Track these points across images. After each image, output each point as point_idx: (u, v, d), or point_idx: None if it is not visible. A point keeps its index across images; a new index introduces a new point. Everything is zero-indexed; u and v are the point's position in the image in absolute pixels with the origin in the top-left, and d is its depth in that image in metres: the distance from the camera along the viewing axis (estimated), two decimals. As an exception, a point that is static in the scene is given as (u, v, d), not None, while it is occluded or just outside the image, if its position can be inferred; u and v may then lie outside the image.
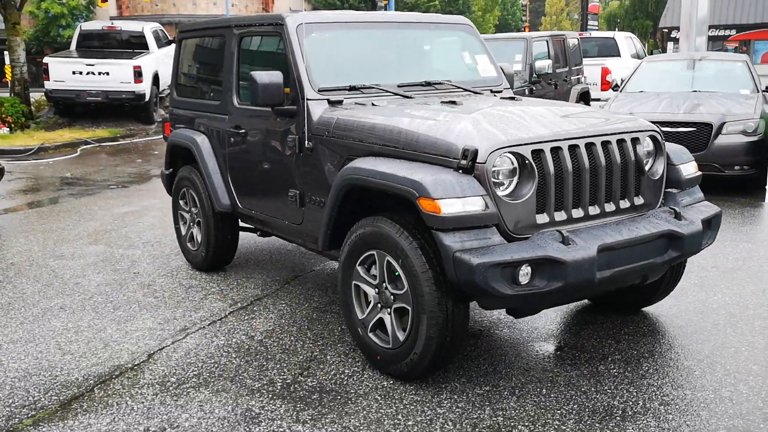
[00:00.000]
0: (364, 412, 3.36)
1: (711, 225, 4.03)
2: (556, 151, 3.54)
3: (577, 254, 3.32)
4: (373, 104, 4.26)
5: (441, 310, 3.40)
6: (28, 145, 13.76)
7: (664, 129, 8.18)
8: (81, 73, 15.28)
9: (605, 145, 3.71)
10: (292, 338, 4.27)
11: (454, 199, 3.29)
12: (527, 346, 4.10)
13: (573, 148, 3.60)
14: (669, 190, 4.08)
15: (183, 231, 5.85)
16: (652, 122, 4.18)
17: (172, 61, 6.05)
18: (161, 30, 18.30)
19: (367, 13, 5.12)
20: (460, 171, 3.40)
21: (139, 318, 4.67)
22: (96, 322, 4.63)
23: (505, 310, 3.78)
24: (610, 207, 3.75)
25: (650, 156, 3.99)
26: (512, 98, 4.56)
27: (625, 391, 3.53)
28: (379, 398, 3.50)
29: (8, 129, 15.28)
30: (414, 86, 4.63)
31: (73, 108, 16.26)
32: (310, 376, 3.76)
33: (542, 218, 3.52)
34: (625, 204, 3.82)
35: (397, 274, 3.55)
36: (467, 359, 3.93)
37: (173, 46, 18.03)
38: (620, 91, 9.74)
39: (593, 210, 3.69)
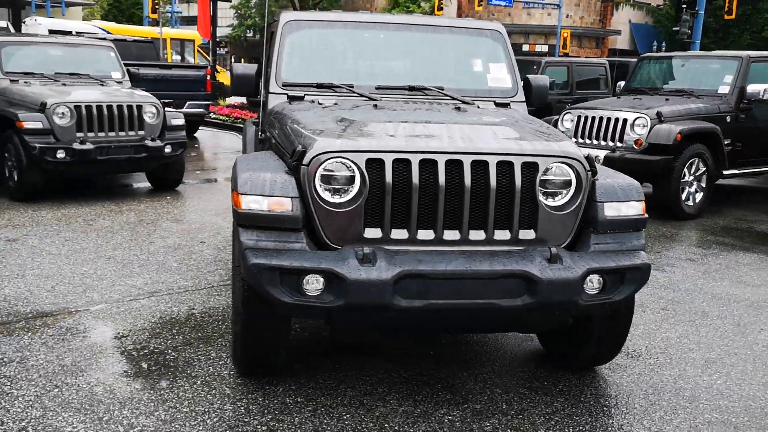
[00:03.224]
0: (156, 389, 3.48)
1: (624, 279, 3.32)
2: (403, 163, 3.24)
3: (364, 273, 3.04)
4: (318, 102, 4.26)
5: (244, 307, 3.37)
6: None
7: None
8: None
9: (479, 165, 3.28)
10: (220, 320, 4.48)
11: (258, 196, 3.23)
12: (406, 373, 3.78)
13: (428, 164, 3.26)
14: (590, 229, 3.45)
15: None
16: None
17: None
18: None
19: (378, 15, 5.02)
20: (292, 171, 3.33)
21: (142, 276, 5.26)
22: (111, 273, 5.32)
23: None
24: (477, 235, 3.31)
25: (565, 186, 3.40)
26: (458, 109, 4.16)
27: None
28: (197, 385, 3.58)
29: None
30: (394, 89, 4.48)
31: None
32: (179, 350, 3.96)
33: (373, 233, 3.26)
34: (503, 235, 3.33)
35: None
36: (328, 370, 3.77)
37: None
38: None
39: (451, 235, 3.30)
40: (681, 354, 4.21)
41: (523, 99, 4.70)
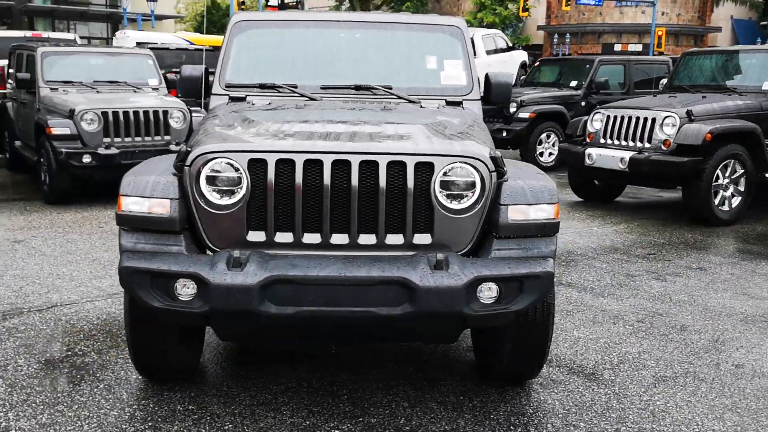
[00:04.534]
0: (56, 392, 3.48)
1: (522, 288, 3.06)
2: (287, 164, 3.11)
3: (229, 278, 2.91)
4: (252, 103, 4.18)
5: (130, 311, 3.33)
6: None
7: None
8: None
9: (369, 165, 3.10)
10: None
11: (138, 198, 3.17)
12: (317, 382, 3.62)
13: (314, 164, 3.10)
14: (493, 234, 3.20)
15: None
16: None
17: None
18: (501, 37, 18.83)
19: (332, 13, 4.88)
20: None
21: (113, 278, 5.31)
22: (85, 274, 5.41)
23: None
24: (368, 239, 3.14)
25: (469, 188, 3.17)
26: (386, 109, 3.97)
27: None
28: (98, 388, 3.55)
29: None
30: (339, 89, 4.33)
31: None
32: (102, 353, 3.96)
33: (257, 236, 3.14)
34: (395, 240, 3.14)
35: None
36: (238, 377, 3.67)
37: (510, 53, 18.41)
38: None
39: (339, 239, 3.14)
40: (632, 371, 3.86)
41: (478, 97, 4.44)
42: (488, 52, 17.68)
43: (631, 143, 7.91)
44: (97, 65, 9.84)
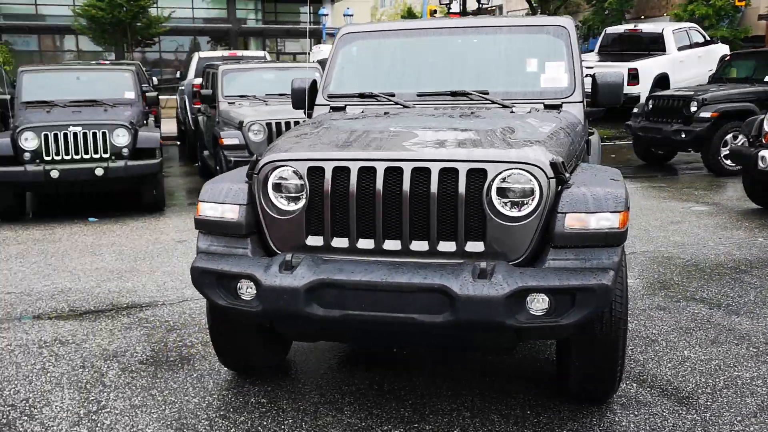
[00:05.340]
0: (156, 377, 3.83)
1: (574, 301, 2.90)
2: (343, 171, 3.21)
3: (278, 280, 3.06)
4: (346, 112, 4.33)
5: (210, 310, 3.59)
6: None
7: None
8: (582, 74, 16.07)
9: (421, 172, 3.12)
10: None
11: (213, 203, 3.43)
12: (388, 386, 3.66)
13: (368, 171, 3.18)
14: (550, 243, 3.07)
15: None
16: None
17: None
18: (696, 30, 17.56)
19: (435, 20, 4.86)
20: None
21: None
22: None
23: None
24: (420, 246, 3.15)
25: (526, 195, 3.08)
26: (464, 115, 3.91)
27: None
28: (191, 377, 3.87)
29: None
30: (436, 95, 4.36)
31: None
32: (206, 345, 4.27)
33: (315, 241, 3.27)
34: (447, 247, 3.13)
35: None
36: (315, 375, 3.81)
37: (706, 47, 17.10)
38: None
39: (392, 245, 3.18)
40: (734, 397, 3.49)
41: (580, 99, 4.26)
42: (680, 48, 16.52)
43: (809, 144, 7.07)
44: (269, 80, 10.57)
